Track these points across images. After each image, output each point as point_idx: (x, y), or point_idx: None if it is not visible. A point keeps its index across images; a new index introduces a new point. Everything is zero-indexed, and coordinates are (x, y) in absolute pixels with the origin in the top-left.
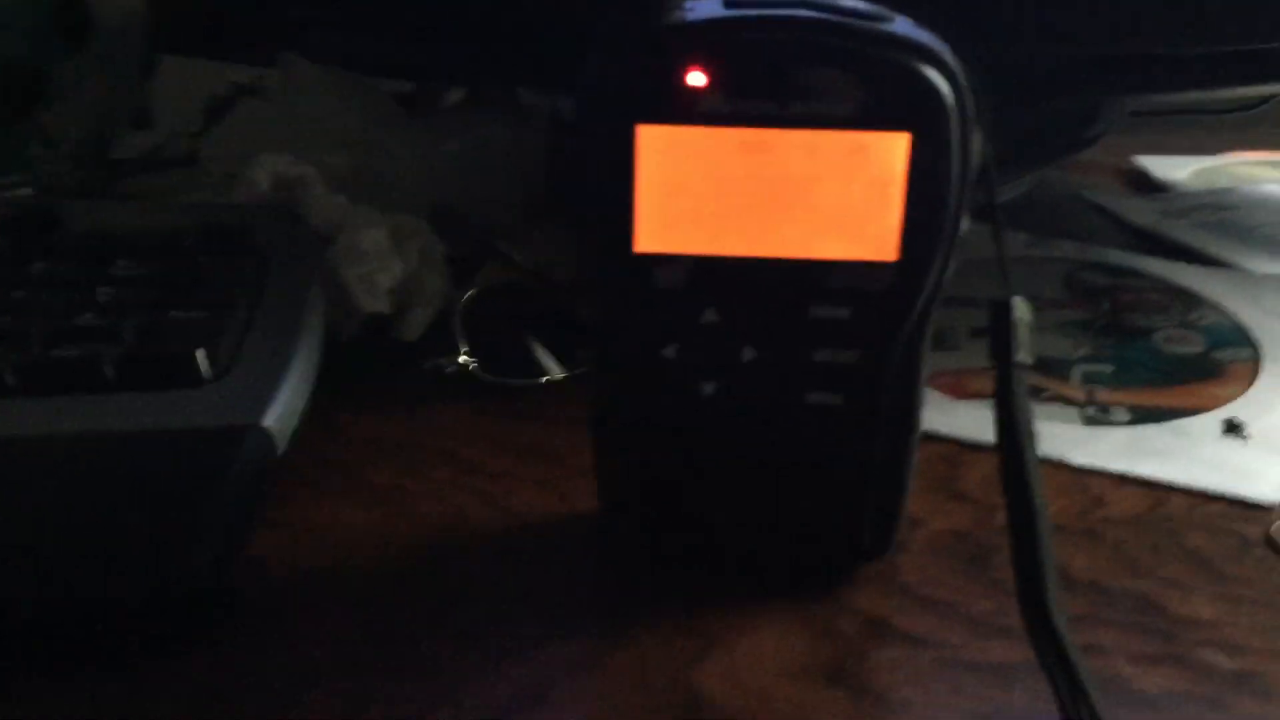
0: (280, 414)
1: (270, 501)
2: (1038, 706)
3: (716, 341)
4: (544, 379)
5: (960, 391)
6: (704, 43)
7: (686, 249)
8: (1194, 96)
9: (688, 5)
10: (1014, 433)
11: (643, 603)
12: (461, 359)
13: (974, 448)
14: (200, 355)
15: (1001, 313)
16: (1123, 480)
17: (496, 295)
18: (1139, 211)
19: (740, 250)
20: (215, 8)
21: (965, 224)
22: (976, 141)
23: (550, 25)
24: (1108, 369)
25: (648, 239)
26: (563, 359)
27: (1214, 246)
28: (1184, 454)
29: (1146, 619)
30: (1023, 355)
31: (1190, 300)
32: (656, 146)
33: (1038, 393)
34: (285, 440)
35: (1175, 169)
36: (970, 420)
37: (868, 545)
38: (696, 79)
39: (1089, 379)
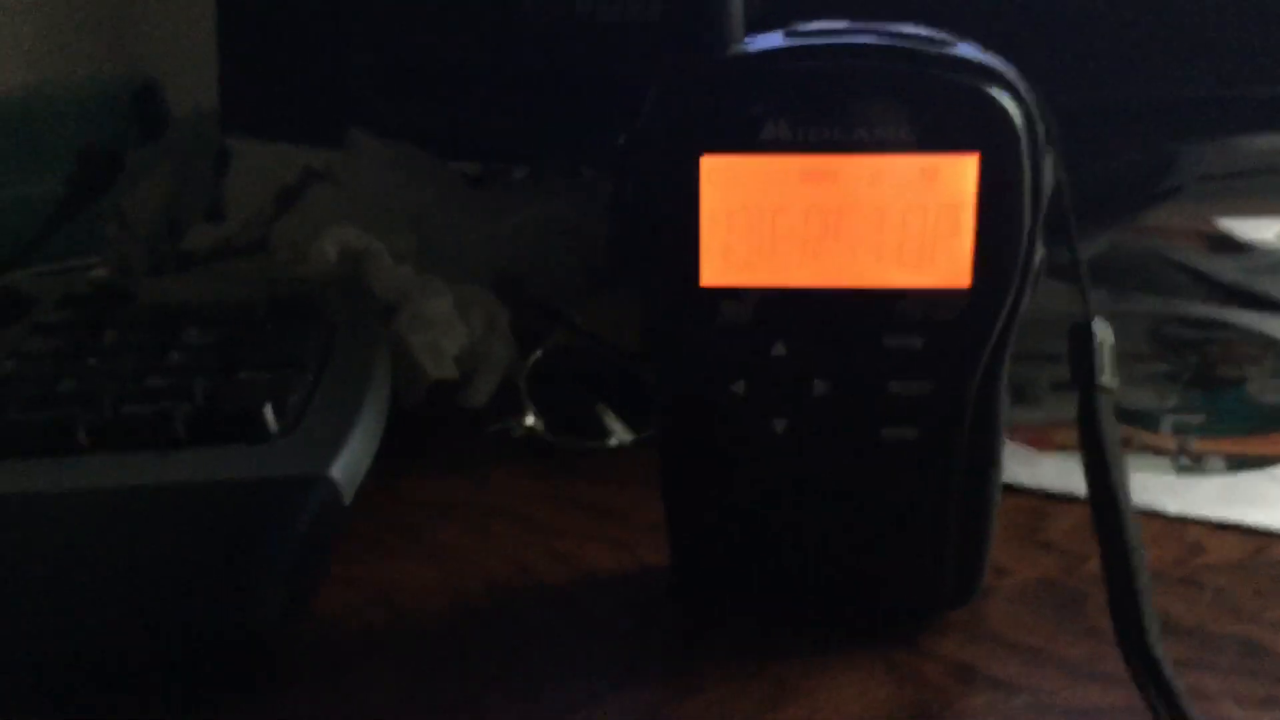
0: (347, 465)
1: (335, 557)
2: None
3: (787, 376)
4: (611, 442)
5: (1044, 444)
6: (766, 72)
7: (753, 282)
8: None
9: (747, 39)
10: (1101, 454)
11: (715, 651)
12: (528, 421)
13: (1059, 499)
14: (268, 410)
15: (1082, 335)
16: (1220, 528)
17: (562, 359)
18: (1223, 268)
19: (808, 281)
20: (285, 87)
21: (1040, 250)
22: (1049, 164)
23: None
24: (1198, 419)
25: (713, 273)
26: (629, 423)
27: None
28: None
29: (1253, 663)
30: (1106, 378)
31: None
32: (721, 178)
33: (1126, 442)
34: (351, 491)
35: (1260, 230)
36: (1054, 472)
37: (950, 590)
38: (759, 108)
39: (1179, 429)
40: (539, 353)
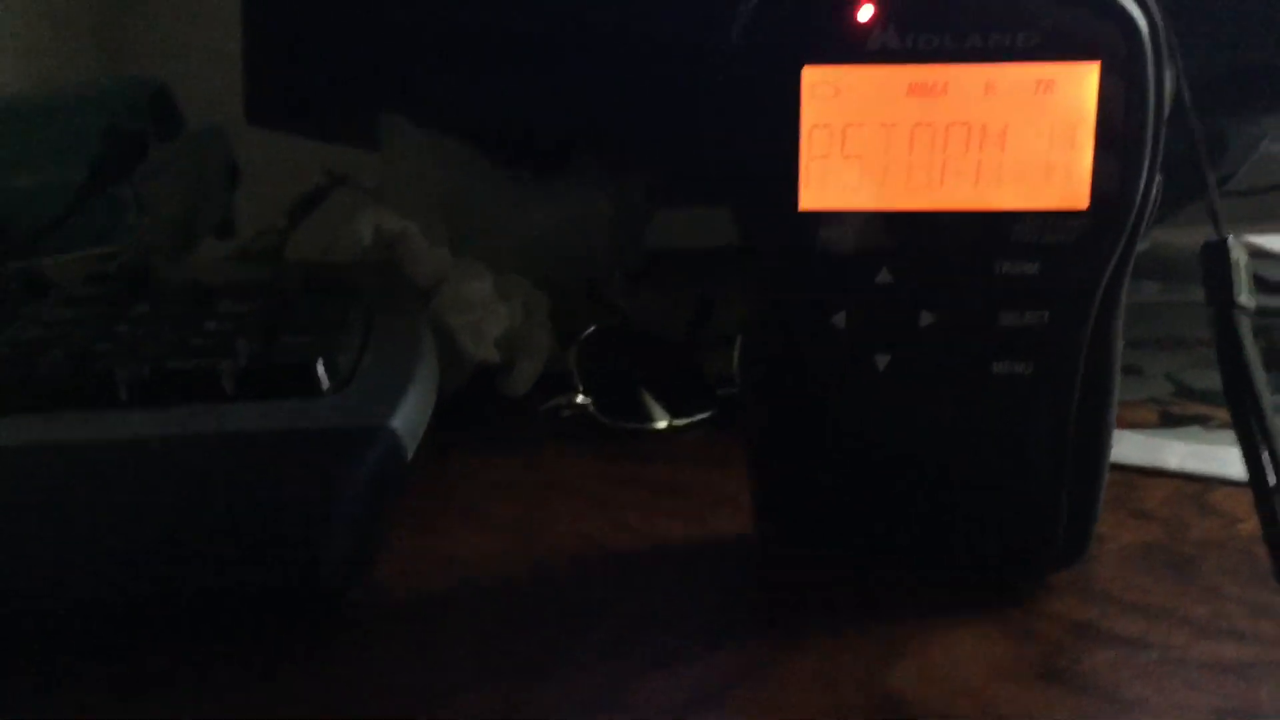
0: (407, 418)
1: (396, 529)
2: None
3: (891, 306)
4: (661, 425)
5: (1120, 422)
6: None
7: (856, 204)
8: None
9: None
10: (1245, 373)
11: (814, 610)
12: (579, 400)
13: (1146, 473)
14: (319, 365)
15: (1218, 253)
16: None
17: (608, 342)
18: (1270, 268)
19: (915, 204)
20: (314, 74)
21: (1159, 174)
22: (1170, 77)
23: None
24: (1276, 399)
25: (814, 195)
26: (674, 409)
27: None
28: None
29: None
30: (1245, 296)
31: None
32: (823, 91)
33: (1205, 420)
34: (414, 446)
35: None
36: (1137, 447)
37: (1061, 544)
38: (865, 13)
39: None
40: (591, 329)
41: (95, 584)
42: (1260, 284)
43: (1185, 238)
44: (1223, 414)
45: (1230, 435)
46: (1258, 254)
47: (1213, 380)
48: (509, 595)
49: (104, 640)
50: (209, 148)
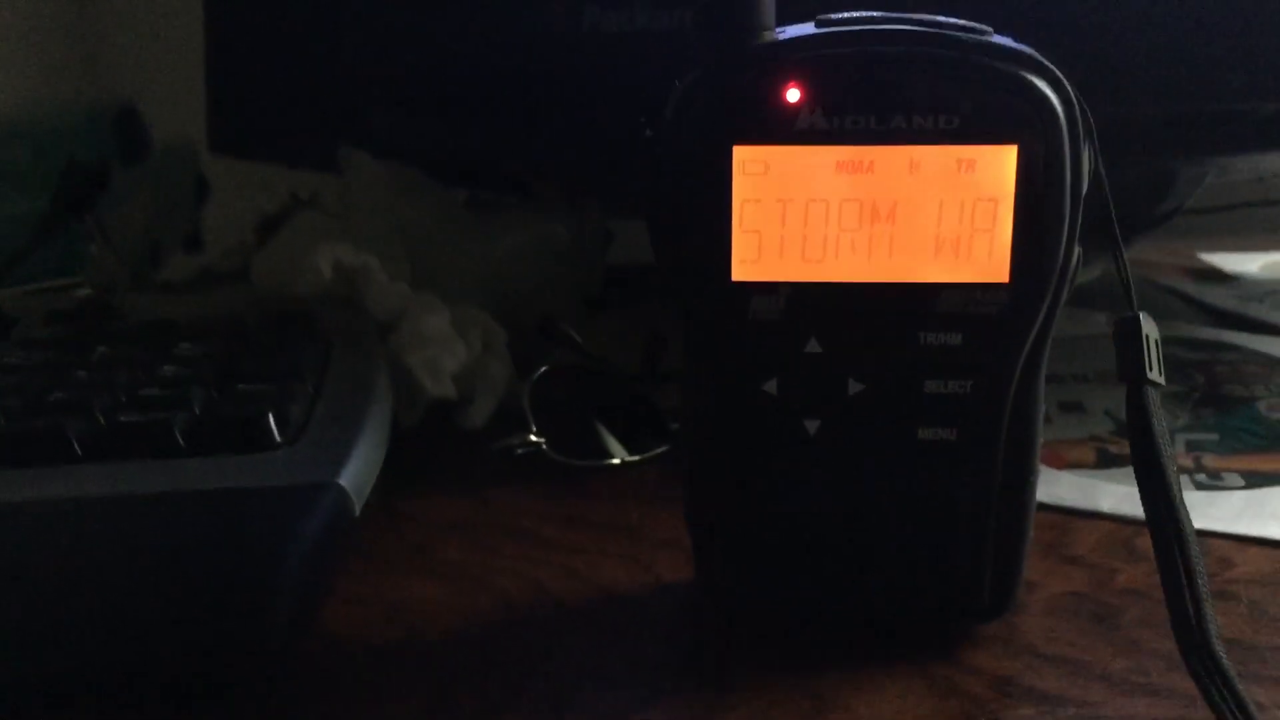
0: (355, 473)
1: (342, 575)
2: None
3: (820, 375)
4: (614, 461)
5: (1057, 463)
6: (800, 59)
7: (786, 276)
8: (1259, 185)
9: (778, 29)
10: (1154, 448)
11: (748, 665)
12: (532, 439)
13: (1080, 515)
14: (270, 418)
15: (1130, 329)
16: (1245, 542)
17: (563, 378)
18: (1216, 296)
19: (842, 275)
20: (275, 104)
21: (1078, 246)
22: (1087, 155)
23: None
24: (1212, 437)
25: (745, 267)
26: (630, 444)
27: None
28: None
29: None
30: (1154, 373)
31: None
32: (754, 168)
33: None
34: (360, 500)
35: (1244, 263)
36: (1073, 488)
37: (987, 600)
38: (793, 96)
39: (1194, 447)
40: (543, 369)
41: (34, 653)
42: (1207, 311)
43: (1134, 269)
44: None
45: None
46: (1211, 274)
47: None
48: (455, 647)
49: (45, 709)
50: (178, 163)
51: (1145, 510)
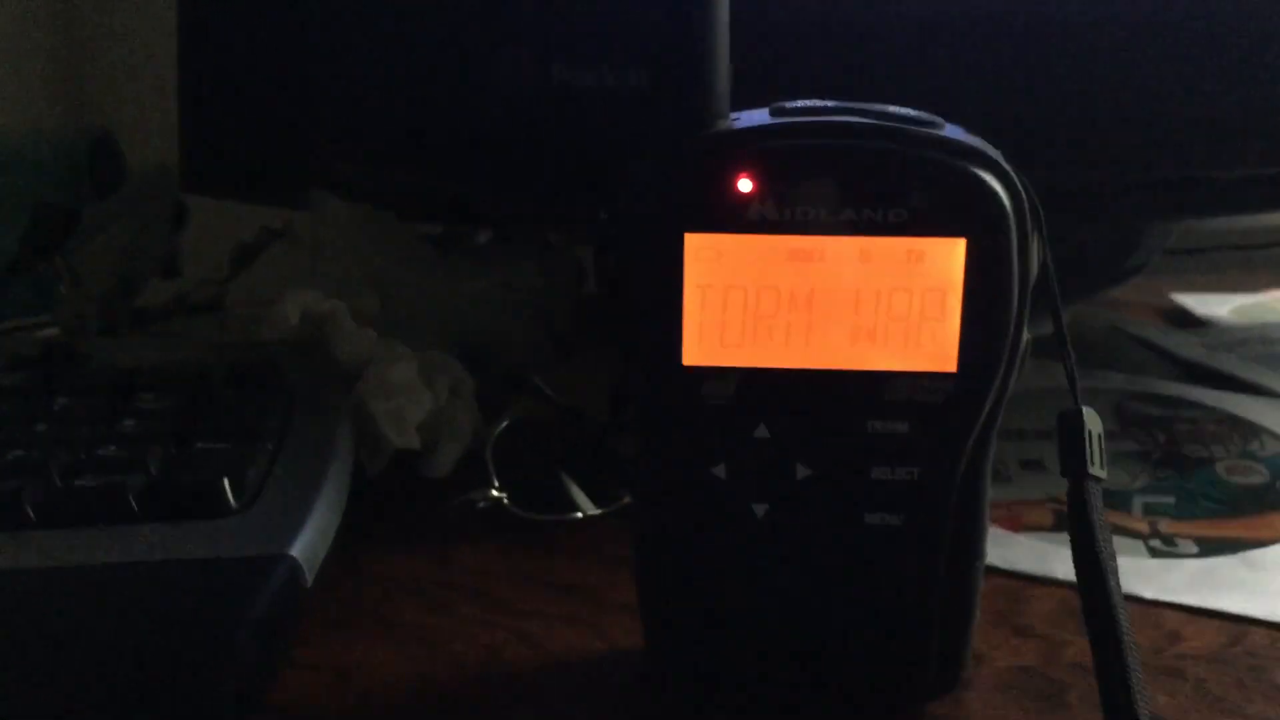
0: (308, 543)
1: (296, 639)
2: None
3: (769, 459)
4: (577, 515)
5: (1015, 524)
6: (752, 149)
7: (736, 361)
8: (1233, 225)
9: (733, 116)
10: (1092, 547)
11: None
12: (493, 493)
13: (1034, 581)
14: (226, 484)
15: (1073, 424)
16: (1196, 613)
17: (528, 430)
18: (1184, 345)
19: (792, 362)
20: (247, 148)
21: (1026, 334)
22: (1036, 247)
23: (578, 171)
24: (1169, 500)
25: (695, 352)
26: (596, 496)
27: (1267, 378)
28: (1260, 587)
29: None
30: (1096, 468)
31: (1249, 430)
32: (705, 255)
33: None
34: (313, 571)
35: (1216, 305)
36: (1028, 553)
37: (933, 679)
38: (745, 185)
39: (1150, 510)
40: (505, 423)
41: None
42: (1171, 360)
43: (1104, 312)
44: (1116, 518)
45: (1119, 541)
46: (1182, 318)
47: (1116, 479)
48: (405, 716)
49: None
50: (155, 190)
51: (1082, 606)
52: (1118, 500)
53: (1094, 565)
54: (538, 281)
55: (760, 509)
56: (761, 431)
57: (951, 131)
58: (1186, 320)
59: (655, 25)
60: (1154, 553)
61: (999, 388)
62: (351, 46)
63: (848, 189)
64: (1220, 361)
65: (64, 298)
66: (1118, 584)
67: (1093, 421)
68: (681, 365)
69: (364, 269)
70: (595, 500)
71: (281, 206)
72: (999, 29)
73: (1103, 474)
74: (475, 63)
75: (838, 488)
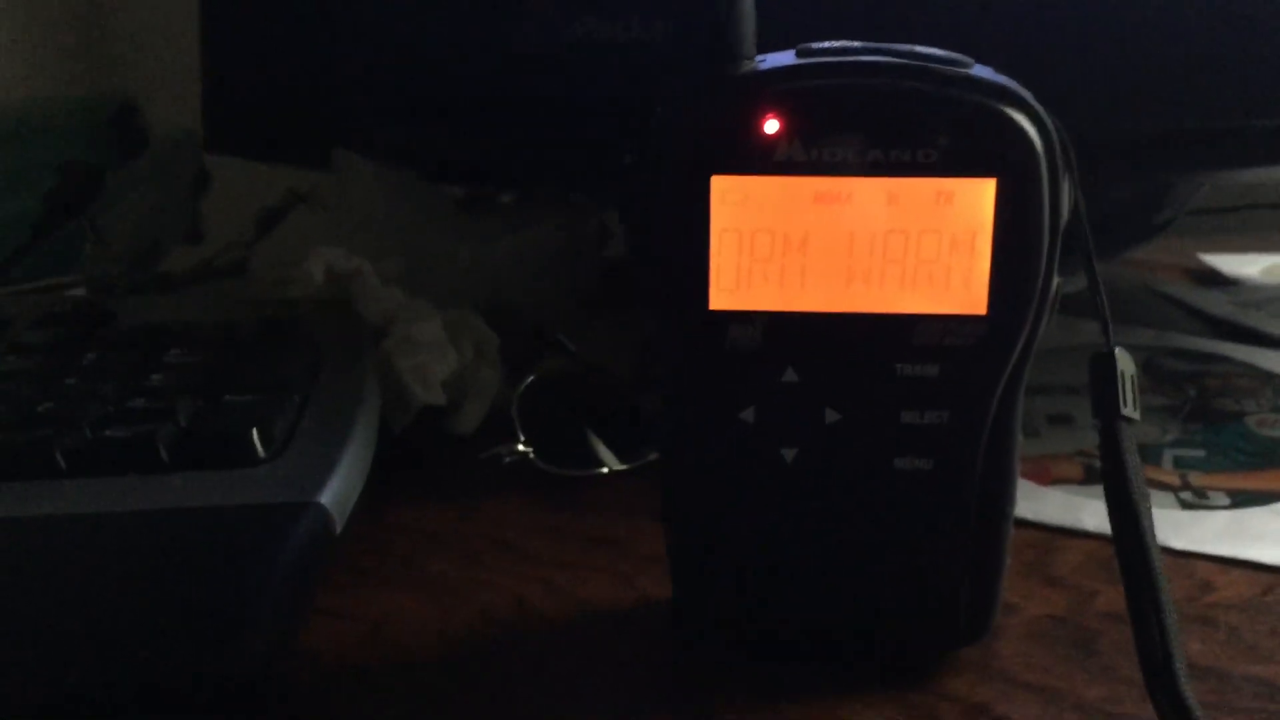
0: (337, 491)
1: (325, 588)
2: None
3: (797, 403)
4: (603, 470)
5: (1044, 478)
6: (779, 89)
7: (763, 305)
8: (1262, 182)
9: (759, 58)
10: (1126, 487)
11: (725, 691)
12: (520, 448)
13: (1064, 533)
14: (254, 434)
15: (1105, 365)
16: (1228, 563)
17: (554, 386)
18: (1213, 303)
19: (820, 306)
20: (270, 108)
21: (1056, 278)
22: (1067, 189)
23: (603, 131)
24: (1199, 453)
25: (723, 296)
26: (621, 452)
27: None
28: None
29: (1274, 705)
30: (1129, 409)
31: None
32: (732, 198)
33: None
34: (343, 519)
35: (1245, 265)
36: (1058, 506)
37: (964, 627)
38: (771, 126)
39: (1181, 463)
40: (530, 378)
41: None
42: (1200, 317)
43: (1131, 272)
44: (1147, 471)
45: (1152, 493)
46: (1210, 277)
47: (1146, 434)
48: (435, 665)
49: None
50: (178, 155)
51: (1116, 548)
52: (1148, 454)
53: (1127, 505)
54: (561, 240)
55: (789, 453)
56: (790, 375)
57: (980, 71)
58: (1215, 280)
59: None
60: (1185, 505)
61: (1030, 331)
62: (375, 4)
63: (875, 130)
64: (1250, 318)
65: (90, 258)
66: (1151, 522)
67: (1125, 363)
68: (709, 309)
69: (389, 229)
70: (620, 456)
71: (305, 168)
72: None
73: (1136, 415)
74: (500, 18)
75: (867, 432)
